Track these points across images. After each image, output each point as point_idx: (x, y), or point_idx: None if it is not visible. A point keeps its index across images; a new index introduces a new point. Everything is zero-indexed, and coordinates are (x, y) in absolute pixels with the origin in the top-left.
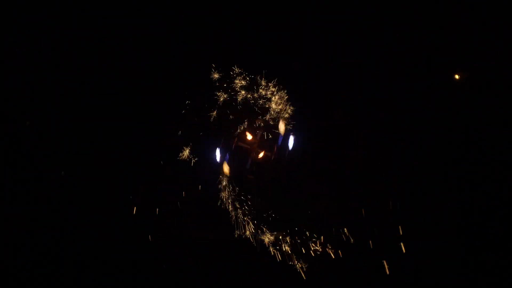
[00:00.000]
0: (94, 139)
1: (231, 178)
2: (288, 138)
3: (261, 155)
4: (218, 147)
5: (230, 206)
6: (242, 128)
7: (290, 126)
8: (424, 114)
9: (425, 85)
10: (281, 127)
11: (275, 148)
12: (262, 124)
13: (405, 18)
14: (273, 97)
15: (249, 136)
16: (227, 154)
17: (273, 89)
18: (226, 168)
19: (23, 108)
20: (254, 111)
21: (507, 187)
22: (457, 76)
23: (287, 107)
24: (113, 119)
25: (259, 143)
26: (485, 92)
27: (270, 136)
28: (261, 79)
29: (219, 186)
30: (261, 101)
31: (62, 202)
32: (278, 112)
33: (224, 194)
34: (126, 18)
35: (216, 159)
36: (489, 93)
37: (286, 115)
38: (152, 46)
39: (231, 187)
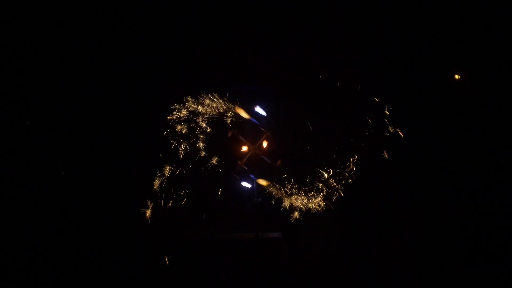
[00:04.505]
0: (95, 140)
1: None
2: (255, 113)
3: (264, 145)
4: (239, 181)
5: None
6: (228, 151)
7: (245, 109)
8: (423, 114)
9: (425, 86)
10: (242, 114)
11: (260, 128)
12: (234, 132)
13: (404, 18)
14: (214, 105)
15: (243, 148)
16: (249, 176)
17: (212, 103)
18: (263, 183)
19: (23, 108)
20: (219, 132)
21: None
22: (457, 76)
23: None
24: (113, 120)
25: (251, 142)
26: (485, 92)
27: (246, 127)
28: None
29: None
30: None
31: (63, 202)
32: (228, 111)
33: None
34: (126, 20)
35: (248, 188)
36: (489, 93)
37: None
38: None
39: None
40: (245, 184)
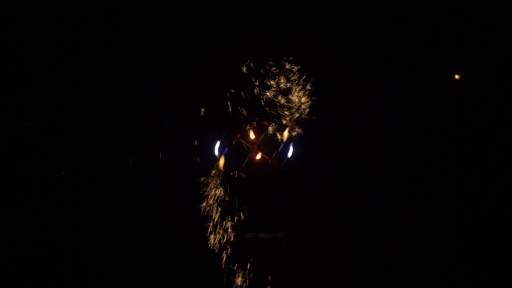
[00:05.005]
0: (94, 139)
1: (223, 174)
2: (288, 147)
3: (258, 156)
4: (219, 139)
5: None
6: (248, 125)
7: (294, 134)
8: (423, 114)
9: (425, 85)
10: (285, 134)
11: (274, 154)
12: (269, 126)
13: (404, 18)
14: (293, 98)
15: (252, 135)
16: (226, 148)
17: (296, 92)
18: (221, 162)
19: (23, 108)
20: (266, 111)
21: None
22: (457, 76)
23: (298, 115)
24: (113, 120)
25: (260, 145)
26: (485, 92)
27: (272, 140)
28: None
29: (209, 181)
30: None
31: (62, 202)
32: (288, 118)
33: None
34: (127, 19)
35: (214, 152)
36: (489, 93)
37: (294, 121)
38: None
39: (219, 188)
40: (217, 146)
